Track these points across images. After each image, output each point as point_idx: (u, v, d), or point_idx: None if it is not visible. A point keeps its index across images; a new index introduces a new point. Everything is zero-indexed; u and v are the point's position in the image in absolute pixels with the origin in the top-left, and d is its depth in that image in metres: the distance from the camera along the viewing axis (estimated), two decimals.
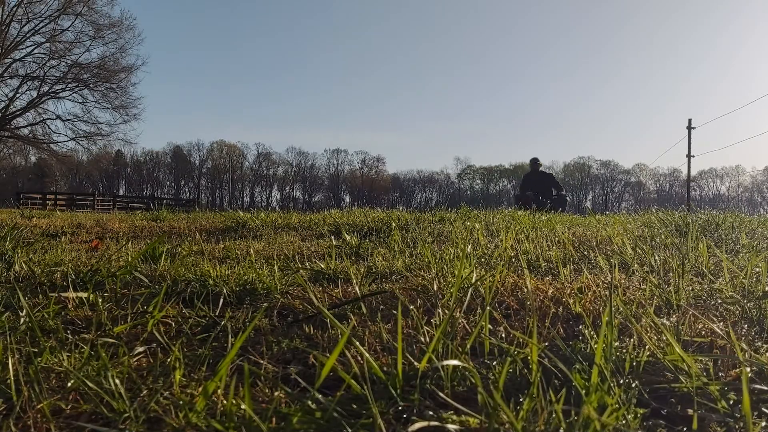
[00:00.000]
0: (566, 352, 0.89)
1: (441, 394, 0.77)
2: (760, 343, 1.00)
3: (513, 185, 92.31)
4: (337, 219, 3.91)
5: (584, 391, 0.73)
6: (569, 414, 0.69)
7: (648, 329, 1.05)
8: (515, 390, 0.80)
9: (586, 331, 1.02)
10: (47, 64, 26.86)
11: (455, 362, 0.79)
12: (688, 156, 33.03)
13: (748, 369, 0.83)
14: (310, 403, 0.71)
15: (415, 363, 0.85)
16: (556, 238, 2.42)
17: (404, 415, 0.73)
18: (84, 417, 0.75)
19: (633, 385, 0.79)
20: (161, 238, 2.21)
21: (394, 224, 3.22)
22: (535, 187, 11.25)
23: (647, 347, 0.90)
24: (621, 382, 0.79)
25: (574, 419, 0.65)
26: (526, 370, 0.86)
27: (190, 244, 2.60)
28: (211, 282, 1.51)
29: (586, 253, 2.04)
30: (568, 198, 11.50)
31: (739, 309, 1.19)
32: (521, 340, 1.00)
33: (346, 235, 2.63)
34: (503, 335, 1.06)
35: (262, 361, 0.94)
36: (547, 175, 11.53)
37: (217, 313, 1.27)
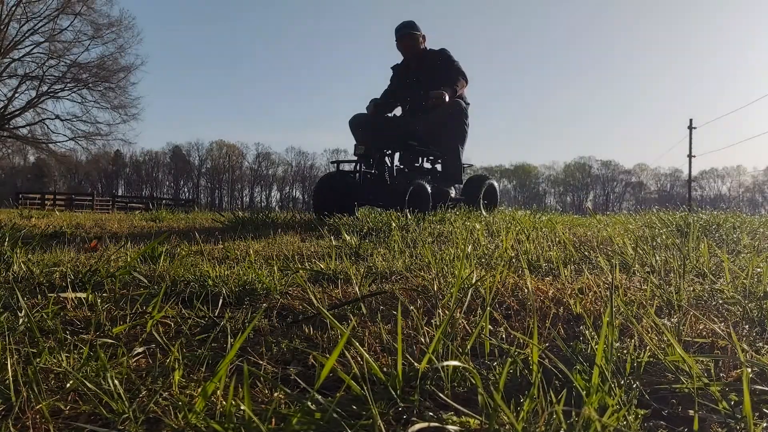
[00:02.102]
0: (567, 352, 0.89)
1: (441, 394, 0.76)
2: (761, 344, 1.00)
3: (513, 185, 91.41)
4: (337, 219, 3.90)
5: (585, 392, 0.73)
6: (570, 415, 0.69)
7: (649, 330, 1.05)
8: (516, 391, 0.80)
9: (587, 331, 1.02)
10: (46, 64, 26.91)
11: (455, 363, 0.79)
12: (689, 156, 33.09)
13: (750, 370, 0.83)
14: (309, 403, 0.71)
15: (415, 364, 0.85)
16: (557, 239, 2.42)
17: (404, 416, 0.72)
18: (83, 418, 0.75)
19: (634, 385, 0.79)
20: (160, 239, 2.21)
21: (394, 224, 3.21)
22: (408, 106, 4.78)
23: (648, 348, 0.90)
24: (622, 382, 0.79)
25: (574, 420, 0.65)
26: (526, 371, 0.86)
27: (190, 244, 2.59)
28: (210, 282, 1.51)
29: (586, 253, 2.04)
30: (492, 181, 5.55)
31: (741, 309, 1.19)
32: (522, 340, 0.99)
33: (346, 236, 2.63)
34: (504, 336, 1.06)
35: (261, 362, 0.94)
36: (438, 57, 4.77)
37: (216, 314, 1.27)
